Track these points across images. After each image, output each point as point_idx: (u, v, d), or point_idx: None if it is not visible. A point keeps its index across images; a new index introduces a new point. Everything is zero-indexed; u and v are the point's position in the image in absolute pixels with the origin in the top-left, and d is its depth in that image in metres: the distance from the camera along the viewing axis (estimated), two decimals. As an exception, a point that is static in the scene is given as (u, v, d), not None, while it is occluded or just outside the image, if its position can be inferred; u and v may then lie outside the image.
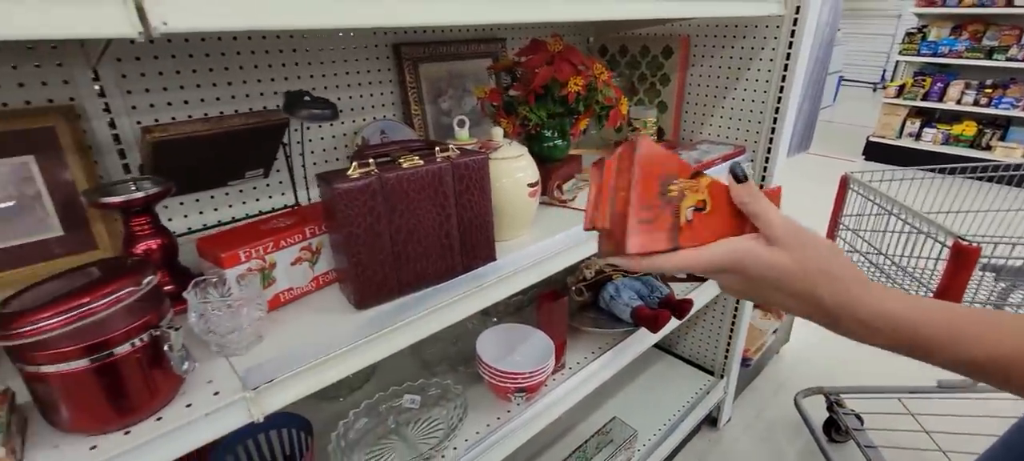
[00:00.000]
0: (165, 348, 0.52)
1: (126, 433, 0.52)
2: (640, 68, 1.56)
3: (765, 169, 1.41)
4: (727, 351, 1.67)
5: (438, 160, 0.76)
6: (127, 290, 0.49)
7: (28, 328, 0.45)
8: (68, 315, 0.46)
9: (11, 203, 0.81)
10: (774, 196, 0.53)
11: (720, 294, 1.59)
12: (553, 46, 1.04)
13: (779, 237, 0.48)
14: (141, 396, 0.52)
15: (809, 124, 4.87)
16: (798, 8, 1.22)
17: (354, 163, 0.69)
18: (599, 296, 1.27)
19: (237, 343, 0.62)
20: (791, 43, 1.26)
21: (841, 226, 1.51)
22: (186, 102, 0.96)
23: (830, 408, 1.68)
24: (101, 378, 0.49)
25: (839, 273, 0.48)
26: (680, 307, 1.18)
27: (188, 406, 0.56)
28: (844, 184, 1.45)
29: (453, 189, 0.77)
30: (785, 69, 1.29)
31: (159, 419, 0.54)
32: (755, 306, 1.90)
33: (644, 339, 1.25)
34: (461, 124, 0.88)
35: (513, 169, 0.89)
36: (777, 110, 1.34)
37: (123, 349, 0.49)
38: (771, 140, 1.37)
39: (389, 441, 0.97)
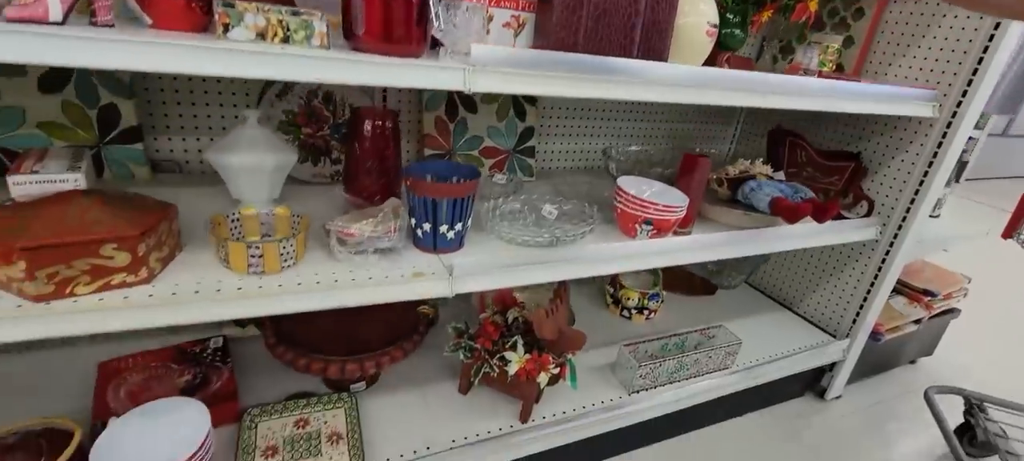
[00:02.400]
0: (430, 3, 0.71)
1: (388, 57, 0.72)
2: (833, 0, 1.51)
3: (953, 117, 1.30)
4: (858, 313, 1.57)
5: (642, -41, 0.87)
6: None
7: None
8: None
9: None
10: None
11: (865, 244, 1.49)
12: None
13: None
14: (405, 35, 0.72)
15: (1014, 95, 4.22)
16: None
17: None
18: (738, 191, 1.29)
19: (461, 43, 0.80)
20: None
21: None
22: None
23: (969, 412, 1.50)
24: (390, 4, 0.69)
25: None
26: (824, 209, 1.16)
27: (429, 59, 0.74)
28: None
29: (647, -9, 0.87)
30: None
31: (411, 58, 0.73)
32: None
33: (776, 237, 1.24)
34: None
35: (699, 7, 0.97)
36: (984, 52, 1.23)
37: (408, -13, 0.69)
38: (968, 85, 1.26)
39: (528, 227, 1.11)
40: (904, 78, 1.40)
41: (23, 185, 0.78)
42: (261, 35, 0.66)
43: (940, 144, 1.34)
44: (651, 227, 1.09)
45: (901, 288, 1.76)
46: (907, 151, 1.41)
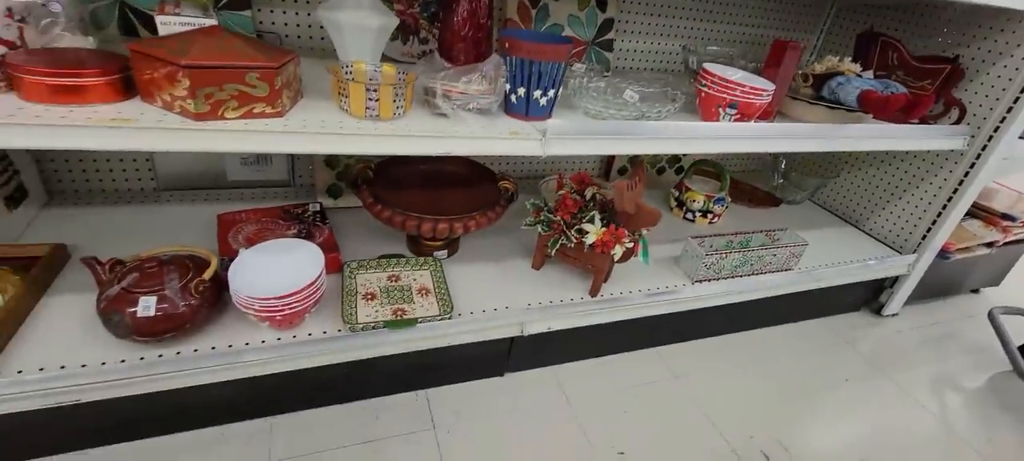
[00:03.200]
0: None
1: None
2: None
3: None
4: (928, 231, 1.54)
5: None
6: None
7: None
8: None
9: None
10: None
11: (950, 154, 1.45)
12: None
13: None
14: None
15: None
16: None
17: None
18: (824, 87, 1.27)
19: None
20: None
21: None
22: None
23: (1036, 332, 1.49)
24: None
25: None
26: (916, 103, 1.13)
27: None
28: None
29: None
30: None
31: None
32: None
33: (859, 134, 1.22)
34: None
35: None
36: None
37: None
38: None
39: (612, 105, 1.14)
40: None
41: (169, 24, 0.86)
42: None
43: (1050, 47, 1.26)
44: (735, 111, 1.10)
45: (977, 211, 1.71)
46: (1011, 56, 1.33)
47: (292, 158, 1.42)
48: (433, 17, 1.27)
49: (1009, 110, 1.34)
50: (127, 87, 0.79)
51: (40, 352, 0.88)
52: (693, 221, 1.61)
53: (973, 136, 1.40)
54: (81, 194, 1.28)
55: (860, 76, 1.27)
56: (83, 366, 0.86)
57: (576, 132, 0.98)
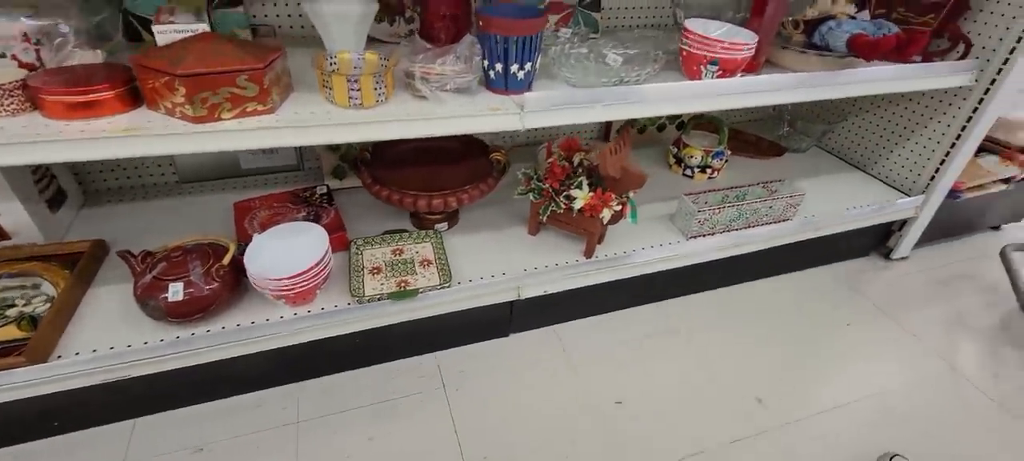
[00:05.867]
0: None
1: None
2: None
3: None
4: (937, 172, 1.51)
5: None
6: None
7: None
8: None
9: None
10: None
11: (958, 90, 1.40)
12: None
13: None
14: None
15: None
16: None
17: None
18: (815, 34, 1.24)
19: None
20: None
21: None
22: None
23: (1049, 267, 1.46)
24: None
25: None
26: (908, 43, 1.10)
27: None
28: None
29: None
30: None
31: None
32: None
33: (853, 79, 1.20)
34: None
35: None
36: None
37: None
38: None
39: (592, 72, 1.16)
40: None
41: (165, 32, 0.93)
42: None
43: (1064, -32, 1.19)
44: (717, 67, 1.10)
45: (996, 146, 1.65)
46: (1021, -18, 1.26)
47: (299, 144, 1.50)
48: (418, -4, 1.30)
49: (1019, 40, 1.28)
50: (134, 97, 0.87)
51: (92, 336, 1.00)
52: (692, 177, 1.62)
53: (982, 70, 1.35)
54: (113, 192, 1.41)
55: (854, 18, 1.24)
56: (129, 346, 0.98)
57: (553, 103, 1.02)
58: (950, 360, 1.36)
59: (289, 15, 1.30)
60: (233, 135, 0.86)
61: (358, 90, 0.92)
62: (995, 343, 1.41)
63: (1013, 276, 1.42)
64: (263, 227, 1.23)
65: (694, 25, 1.13)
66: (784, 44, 1.27)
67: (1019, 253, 1.51)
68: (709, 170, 1.60)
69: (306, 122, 0.89)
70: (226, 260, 1.04)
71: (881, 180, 1.68)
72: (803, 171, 1.71)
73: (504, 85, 1.03)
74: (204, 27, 0.95)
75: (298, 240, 1.11)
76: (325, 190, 1.37)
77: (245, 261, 1.03)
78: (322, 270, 1.07)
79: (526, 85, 1.05)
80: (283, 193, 1.35)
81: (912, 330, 1.44)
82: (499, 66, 1.01)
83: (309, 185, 1.39)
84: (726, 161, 1.64)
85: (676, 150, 1.63)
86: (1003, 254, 1.50)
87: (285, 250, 1.09)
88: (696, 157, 1.58)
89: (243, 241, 1.16)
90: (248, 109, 0.87)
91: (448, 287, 1.15)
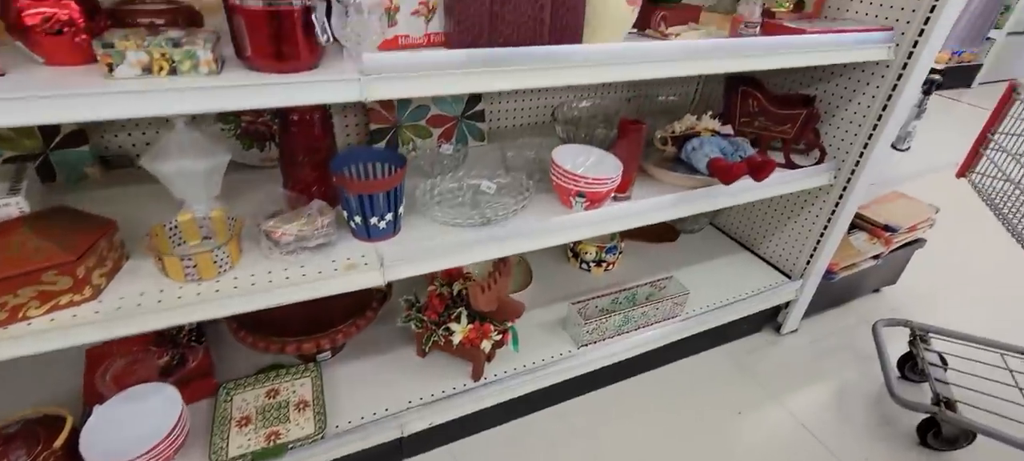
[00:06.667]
0: (313, 17, 0.70)
1: (281, 74, 0.73)
2: (795, -72, 1.41)
3: (909, 58, 1.25)
4: (812, 255, 1.61)
5: (545, -64, 0.83)
6: (294, -41, 0.67)
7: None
8: (256, -38, 0.65)
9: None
10: None
11: (820, 189, 1.50)
12: None
13: None
14: (293, 51, 0.72)
15: (978, 27, 4.21)
16: None
17: (472, -79, 0.80)
18: (682, 149, 1.30)
19: (361, 49, 0.80)
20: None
21: (991, 143, 1.32)
22: None
23: (912, 342, 1.57)
24: (271, 23, 0.69)
25: None
26: (760, 167, 1.17)
27: (322, 72, 0.75)
28: (1010, 93, 1.24)
29: (553, -34, 0.85)
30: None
31: (302, 72, 0.74)
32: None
33: (716, 195, 1.26)
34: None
35: (617, -28, 0.93)
36: (944, -11, 1.16)
37: (286, 4, 0.68)
38: (925, 24, 1.21)
39: (464, 208, 1.16)
40: (865, 14, 1.33)
41: (-31, 215, 0.84)
42: (147, 69, 0.68)
43: (895, 87, 1.30)
44: (584, 199, 1.12)
45: (862, 223, 1.78)
46: (863, 94, 1.37)
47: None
48: (290, 120, 1.26)
49: (866, 145, 1.39)
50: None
51: None
52: (589, 270, 1.65)
53: (838, 170, 1.45)
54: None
55: (717, 134, 1.30)
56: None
57: (419, 253, 0.99)
58: (827, 446, 1.42)
59: (147, 142, 1.22)
60: (41, 337, 0.77)
61: (194, 267, 0.86)
62: (870, 423, 1.50)
63: (883, 358, 1.52)
64: (117, 382, 1.13)
65: (562, 156, 1.15)
66: (657, 159, 1.32)
67: (889, 328, 1.62)
68: (605, 264, 1.63)
69: (134, 308, 0.82)
70: (59, 443, 0.94)
71: (767, 261, 1.77)
72: (696, 254, 1.78)
73: (367, 234, 1.00)
74: (18, 202, 0.86)
75: (147, 405, 1.02)
76: (194, 325, 1.28)
77: (81, 446, 0.93)
78: (175, 441, 0.99)
79: (391, 230, 1.02)
80: (144, 335, 1.25)
81: (797, 413, 1.50)
82: (359, 218, 0.98)
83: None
84: (621, 253, 1.68)
85: (572, 245, 1.66)
86: (874, 331, 1.61)
87: (132, 418, 1.00)
88: (591, 253, 1.61)
89: (88, 405, 1.06)
90: (62, 302, 0.80)
91: (321, 439, 1.09)
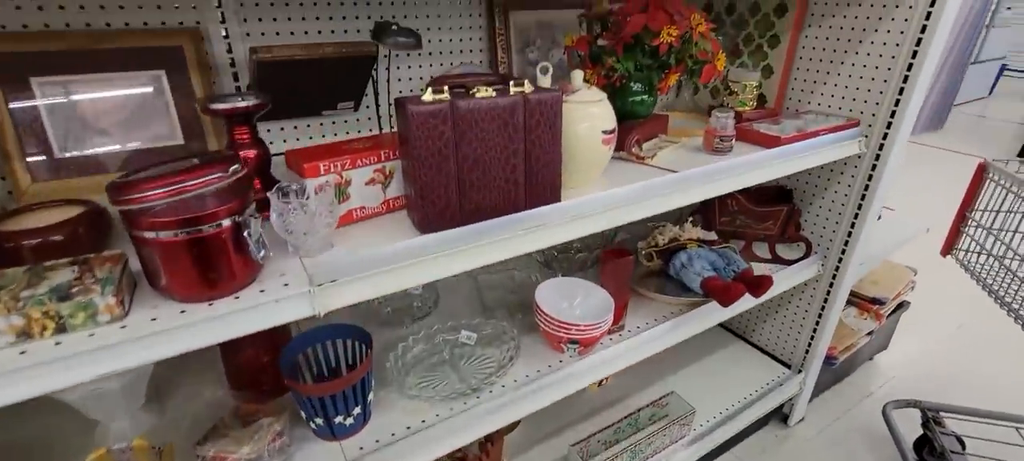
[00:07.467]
0: (245, 234, 0.58)
1: (210, 304, 0.59)
2: (747, 27, 1.42)
3: (880, 150, 1.24)
4: (809, 345, 1.53)
5: (511, 94, 0.75)
6: (216, 175, 0.54)
7: (136, 196, 0.51)
8: (168, 189, 0.52)
9: (145, 108, 0.93)
10: None
11: (809, 281, 1.45)
12: (649, -9, 0.98)
13: None
14: (223, 274, 0.59)
15: (939, 112, 4.45)
16: (949, -44, 1.03)
17: (429, 88, 0.71)
18: (670, 263, 1.21)
19: (309, 245, 0.68)
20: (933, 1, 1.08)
21: (970, 222, 1.30)
22: (292, 34, 1.03)
23: (926, 425, 1.49)
24: (191, 250, 0.55)
25: None
26: (757, 284, 1.09)
27: (261, 291, 0.62)
28: (981, 172, 1.24)
29: (523, 124, 0.76)
30: (922, 31, 1.11)
31: (236, 298, 0.60)
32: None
33: (712, 314, 1.18)
34: (544, 71, 0.84)
35: (589, 114, 0.86)
36: (905, 81, 1.16)
37: (210, 228, 0.55)
38: (892, 116, 1.20)
39: (442, 371, 1.01)
40: (828, 106, 1.33)
41: None
42: (26, 334, 0.53)
43: (870, 176, 1.28)
44: (577, 345, 1.00)
45: (851, 299, 1.74)
46: (838, 185, 1.35)
47: None
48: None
49: (849, 234, 1.35)
50: None
51: None
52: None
53: (825, 260, 1.41)
54: None
55: (702, 244, 1.23)
56: None
57: (392, 457, 0.83)
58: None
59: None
60: None
61: (107, 536, 0.67)
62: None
63: (900, 446, 1.43)
64: None
65: (547, 299, 1.03)
66: (644, 274, 1.23)
67: (899, 411, 1.54)
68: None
69: None
70: None
71: (762, 349, 1.69)
72: (690, 348, 1.68)
73: (330, 433, 0.84)
74: None
75: None
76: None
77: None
78: None
79: (360, 424, 0.87)
80: None
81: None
82: (319, 420, 0.82)
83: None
84: (614, 364, 1.55)
85: (561, 364, 1.52)
86: (885, 415, 1.53)
87: None
88: (582, 373, 1.48)
89: None
90: None
91: None
